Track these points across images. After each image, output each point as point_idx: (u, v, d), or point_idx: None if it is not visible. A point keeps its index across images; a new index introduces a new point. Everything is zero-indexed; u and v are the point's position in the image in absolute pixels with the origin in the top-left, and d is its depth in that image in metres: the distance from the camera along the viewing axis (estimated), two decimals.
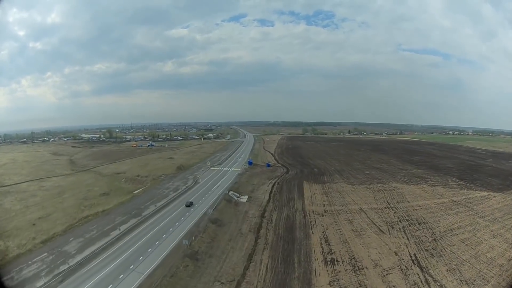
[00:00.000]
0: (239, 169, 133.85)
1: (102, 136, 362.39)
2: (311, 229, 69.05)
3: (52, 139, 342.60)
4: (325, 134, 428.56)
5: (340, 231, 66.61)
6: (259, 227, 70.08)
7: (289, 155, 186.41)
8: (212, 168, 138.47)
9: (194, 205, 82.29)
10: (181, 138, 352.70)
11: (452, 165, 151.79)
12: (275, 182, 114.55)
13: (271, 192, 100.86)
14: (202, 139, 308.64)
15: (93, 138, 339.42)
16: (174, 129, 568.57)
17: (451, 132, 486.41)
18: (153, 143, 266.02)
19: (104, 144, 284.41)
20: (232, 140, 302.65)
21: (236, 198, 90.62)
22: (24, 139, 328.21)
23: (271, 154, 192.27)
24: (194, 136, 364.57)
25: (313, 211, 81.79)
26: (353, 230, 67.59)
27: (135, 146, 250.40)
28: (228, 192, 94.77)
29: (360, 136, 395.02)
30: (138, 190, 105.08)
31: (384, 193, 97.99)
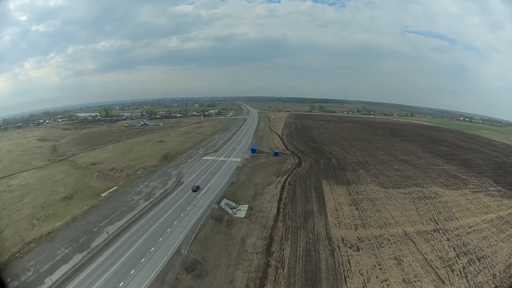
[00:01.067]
0: (239, 160, 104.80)
1: (98, 115, 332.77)
2: (345, 282, 41.72)
3: (47, 121, 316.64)
4: (333, 113, 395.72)
5: (389, 285, 39.50)
6: (264, 277, 42.43)
7: (299, 138, 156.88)
8: (205, 158, 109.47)
9: (167, 232, 54.10)
10: (180, 115, 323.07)
11: (481, 161, 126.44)
12: (285, 181, 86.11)
13: (280, 198, 72.64)
14: (202, 116, 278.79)
15: (88, 118, 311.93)
16: (176, 104, 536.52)
17: (461, 118, 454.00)
18: (146, 122, 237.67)
19: (97, 124, 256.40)
20: (235, 117, 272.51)
21: (230, 211, 62.52)
22: (20, 124, 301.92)
23: (279, 136, 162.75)
24: (194, 113, 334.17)
25: (342, 239, 54.39)
26: (404, 281, 43.01)
27: (127, 126, 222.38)
28: (220, 202, 66.26)
29: (371, 116, 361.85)
30: (105, 193, 78.04)
31: (426, 202, 73.89)
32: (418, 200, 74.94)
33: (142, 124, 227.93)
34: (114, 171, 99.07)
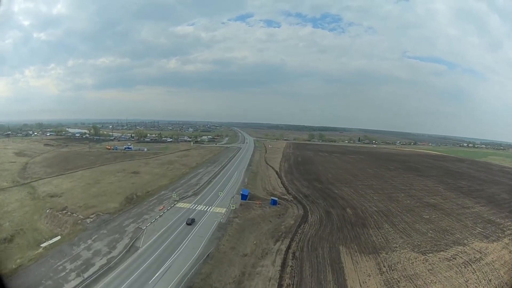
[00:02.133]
0: (224, 210, 77.01)
1: (86, 132, 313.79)
2: None
3: (35, 133, 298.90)
4: (334, 142, 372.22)
5: None
6: None
7: (301, 176, 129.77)
8: (179, 206, 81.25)
9: None
10: (171, 139, 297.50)
11: (506, 194, 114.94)
12: (287, 249, 58.44)
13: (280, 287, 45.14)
14: (192, 143, 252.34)
15: (76, 135, 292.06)
16: (170, 128, 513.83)
17: (465, 144, 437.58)
18: (130, 146, 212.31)
19: (82, 143, 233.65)
20: (228, 145, 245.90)
21: None
22: (9, 132, 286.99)
23: (276, 172, 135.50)
24: (185, 138, 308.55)
25: None
26: None
27: (109, 149, 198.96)
28: None
29: (374, 146, 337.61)
30: (45, 244, 58.25)
31: (473, 269, 53.63)
32: (464, 267, 54.24)
33: (125, 148, 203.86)
34: (65, 212, 74.82)
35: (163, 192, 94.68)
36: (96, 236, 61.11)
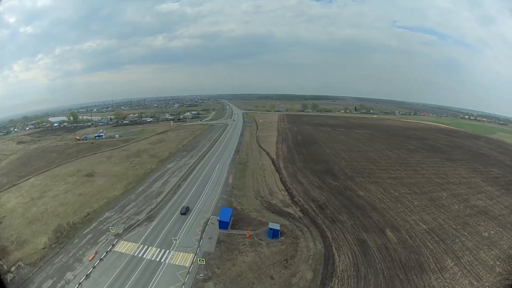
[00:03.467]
0: (190, 260, 44.38)
1: (65, 121, 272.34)
2: None
3: (16, 129, 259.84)
4: (330, 112, 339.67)
5: None
6: None
7: (307, 167, 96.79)
8: (119, 250, 47.85)
9: None
10: (151, 119, 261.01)
11: None
12: None
13: None
14: (172, 122, 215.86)
15: (54, 125, 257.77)
16: (156, 105, 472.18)
17: (467, 116, 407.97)
18: (101, 134, 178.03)
19: (56, 134, 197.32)
20: (214, 123, 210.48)
21: None
22: None
23: (272, 162, 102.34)
24: (167, 116, 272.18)
25: None
26: None
27: (79, 139, 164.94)
28: None
29: (374, 116, 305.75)
30: None
31: None
32: None
33: (96, 136, 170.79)
34: None
35: (106, 215, 61.60)
36: None
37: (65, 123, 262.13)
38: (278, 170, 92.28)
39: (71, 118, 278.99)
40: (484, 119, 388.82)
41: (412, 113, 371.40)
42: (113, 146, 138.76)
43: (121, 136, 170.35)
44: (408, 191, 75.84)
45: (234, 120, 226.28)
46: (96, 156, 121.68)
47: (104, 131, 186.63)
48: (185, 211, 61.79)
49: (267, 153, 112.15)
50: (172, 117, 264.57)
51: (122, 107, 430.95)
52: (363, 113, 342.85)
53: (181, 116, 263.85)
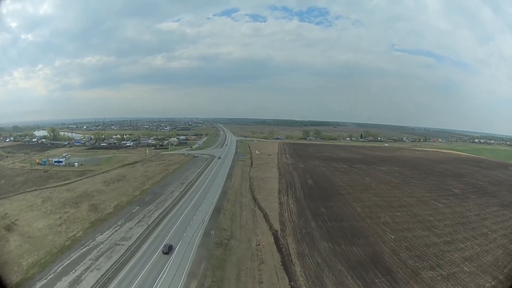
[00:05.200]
0: None
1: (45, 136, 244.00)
2: None
3: None
4: (334, 140, 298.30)
5: None
6: None
7: (335, 249, 52.41)
8: None
9: None
10: (131, 143, 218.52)
11: None
12: None
13: None
14: (148, 150, 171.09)
15: (32, 140, 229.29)
16: (147, 126, 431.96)
17: (476, 140, 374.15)
18: (61, 160, 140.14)
19: (32, 150, 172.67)
20: (199, 153, 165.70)
21: None
22: None
23: (275, 237, 57.03)
24: (149, 141, 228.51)
25: None
26: None
27: (38, 163, 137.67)
28: None
29: (386, 145, 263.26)
30: None
31: None
32: None
33: (54, 162, 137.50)
34: None
35: None
36: None
37: (43, 140, 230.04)
38: (286, 263, 46.92)
39: (51, 134, 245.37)
40: (492, 141, 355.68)
41: (422, 140, 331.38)
42: (61, 181, 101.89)
43: (81, 165, 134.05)
44: None
45: (226, 147, 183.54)
46: (35, 194, 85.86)
47: (67, 156, 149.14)
48: None
49: (266, 216, 66.79)
50: (154, 142, 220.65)
51: (112, 126, 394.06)
52: (370, 140, 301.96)
53: (165, 142, 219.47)
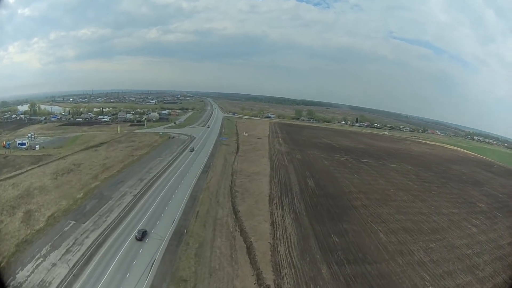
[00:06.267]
0: None
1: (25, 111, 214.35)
2: None
3: None
4: (328, 122, 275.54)
5: None
6: None
7: None
8: None
9: None
10: (109, 118, 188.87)
11: None
12: None
13: None
14: (119, 128, 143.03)
15: (12, 117, 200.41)
16: (133, 98, 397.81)
17: (476, 138, 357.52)
18: (25, 141, 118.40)
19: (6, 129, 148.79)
20: (176, 133, 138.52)
21: None
22: None
23: None
24: (127, 116, 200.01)
25: None
26: None
27: (4, 146, 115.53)
28: None
29: (385, 133, 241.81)
30: None
31: None
32: None
33: (18, 144, 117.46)
34: None
35: None
36: None
37: (21, 116, 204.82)
38: None
39: (30, 109, 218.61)
40: (491, 140, 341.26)
41: (420, 130, 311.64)
42: (14, 170, 79.86)
43: (43, 147, 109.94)
44: None
45: (210, 126, 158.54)
46: None
47: (33, 136, 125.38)
48: None
49: (250, 250, 42.82)
50: (131, 116, 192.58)
51: (98, 99, 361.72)
52: (367, 126, 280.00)
53: (144, 117, 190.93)
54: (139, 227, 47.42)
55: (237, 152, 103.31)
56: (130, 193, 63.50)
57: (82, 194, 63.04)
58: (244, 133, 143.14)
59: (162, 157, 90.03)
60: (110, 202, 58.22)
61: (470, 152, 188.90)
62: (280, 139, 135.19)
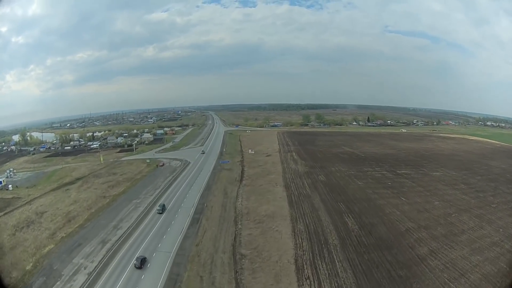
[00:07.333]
0: None
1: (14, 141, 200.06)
2: None
3: None
4: (340, 125, 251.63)
5: None
6: None
7: None
8: None
9: None
10: (97, 145, 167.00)
11: None
12: None
13: None
14: (102, 158, 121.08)
15: (4, 148, 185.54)
16: (132, 119, 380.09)
17: (489, 123, 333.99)
18: (0, 180, 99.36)
19: None
20: (167, 158, 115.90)
21: None
22: None
23: None
24: (117, 140, 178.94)
25: None
26: None
27: None
28: None
29: (403, 131, 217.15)
30: None
31: None
32: None
33: None
34: None
35: None
36: None
37: (12, 147, 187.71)
38: None
39: (21, 139, 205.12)
40: (503, 124, 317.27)
41: (434, 123, 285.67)
42: None
43: (16, 187, 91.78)
44: None
45: (210, 143, 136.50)
46: None
47: (11, 173, 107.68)
48: None
49: None
50: (122, 140, 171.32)
51: (95, 122, 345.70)
52: (380, 125, 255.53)
53: (136, 141, 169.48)
54: None
55: (241, 179, 79.77)
56: (85, 268, 40.87)
57: (31, 265, 43.47)
58: (250, 150, 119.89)
59: (141, 198, 67.02)
60: (58, 284, 35.93)
61: (493, 141, 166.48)
62: (293, 154, 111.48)
